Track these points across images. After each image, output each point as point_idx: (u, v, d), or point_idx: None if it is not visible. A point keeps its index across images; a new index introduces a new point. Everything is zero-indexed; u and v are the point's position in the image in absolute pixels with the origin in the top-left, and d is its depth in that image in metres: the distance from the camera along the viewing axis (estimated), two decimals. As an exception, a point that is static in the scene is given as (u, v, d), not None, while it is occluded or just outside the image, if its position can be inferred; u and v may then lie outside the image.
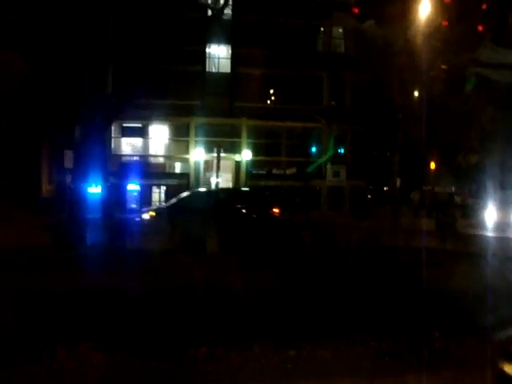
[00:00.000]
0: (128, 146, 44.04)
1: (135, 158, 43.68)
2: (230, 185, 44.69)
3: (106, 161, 39.72)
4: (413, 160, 45.57)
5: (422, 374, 6.79)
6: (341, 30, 46.38)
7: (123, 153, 43.55)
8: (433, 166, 47.37)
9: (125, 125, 42.47)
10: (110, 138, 41.55)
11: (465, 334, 8.07)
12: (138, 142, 44.17)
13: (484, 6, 26.52)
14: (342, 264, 14.81)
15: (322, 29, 45.83)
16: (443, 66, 27.79)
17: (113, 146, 42.11)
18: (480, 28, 26.08)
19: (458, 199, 44.59)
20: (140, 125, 43.10)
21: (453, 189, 45.16)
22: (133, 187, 40.28)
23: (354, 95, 44.84)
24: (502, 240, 24.29)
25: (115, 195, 25.74)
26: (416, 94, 41.85)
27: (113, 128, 41.45)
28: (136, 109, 39.20)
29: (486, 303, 9.14)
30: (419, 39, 30.35)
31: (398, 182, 44.36)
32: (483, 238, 25.41)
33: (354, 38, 45.08)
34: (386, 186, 53.08)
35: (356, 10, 44.68)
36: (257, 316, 8.56)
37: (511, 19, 29.58)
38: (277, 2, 44.04)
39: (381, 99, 43.74)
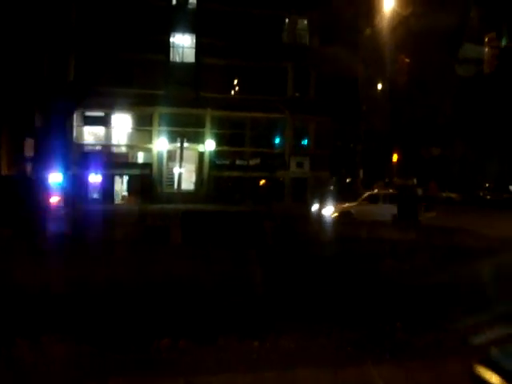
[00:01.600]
0: (90, 135, 43.40)
1: (97, 148, 43.12)
2: (193, 175, 44.54)
3: (68, 150, 39.34)
4: (376, 151, 45.95)
5: (384, 364, 6.85)
6: (306, 22, 46.41)
7: (85, 142, 42.93)
8: (395, 157, 47.78)
9: (87, 113, 41.90)
10: (72, 126, 40.95)
11: (426, 325, 8.17)
12: (100, 131, 43.57)
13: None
14: (304, 255, 14.86)
15: (286, 20, 45.79)
16: (407, 60, 28.12)
17: (75, 134, 41.45)
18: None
19: (420, 191, 44.98)
20: (102, 114, 42.53)
21: (415, 181, 45.54)
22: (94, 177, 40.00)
23: (319, 86, 44.93)
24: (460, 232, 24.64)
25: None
26: (380, 86, 42.21)
27: (75, 116, 40.90)
28: (99, 97, 38.77)
29: (440, 293, 9.32)
30: (384, 31, 30.56)
31: (361, 173, 44.70)
32: (445, 229, 25.72)
33: (319, 29, 45.19)
34: (348, 178, 53.47)
35: None
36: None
37: (472, 16, 30.07)
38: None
39: (345, 91, 43.97)
